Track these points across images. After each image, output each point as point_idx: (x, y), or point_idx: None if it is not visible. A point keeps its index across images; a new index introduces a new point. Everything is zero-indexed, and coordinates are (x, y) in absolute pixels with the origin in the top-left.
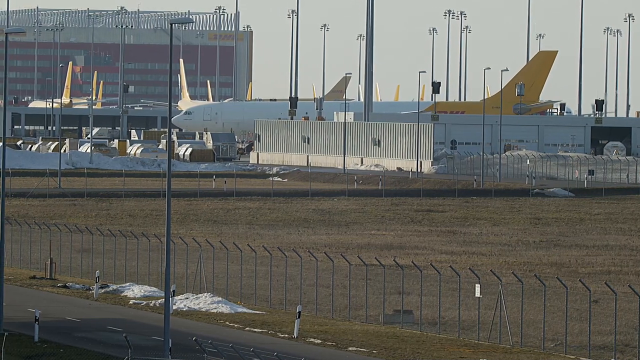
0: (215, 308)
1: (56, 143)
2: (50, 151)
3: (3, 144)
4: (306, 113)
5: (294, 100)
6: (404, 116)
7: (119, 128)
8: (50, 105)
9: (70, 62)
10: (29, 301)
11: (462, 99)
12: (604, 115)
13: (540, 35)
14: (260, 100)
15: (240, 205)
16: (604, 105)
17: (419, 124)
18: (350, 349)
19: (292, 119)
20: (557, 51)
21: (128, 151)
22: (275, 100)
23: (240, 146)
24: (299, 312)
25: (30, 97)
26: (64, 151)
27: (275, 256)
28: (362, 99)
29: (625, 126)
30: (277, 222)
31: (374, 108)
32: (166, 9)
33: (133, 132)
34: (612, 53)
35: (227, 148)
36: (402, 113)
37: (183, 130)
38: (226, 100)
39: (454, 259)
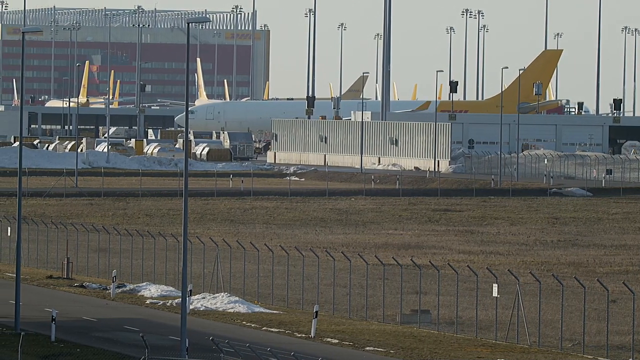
0: (232, 308)
1: (73, 142)
2: (67, 150)
3: (20, 143)
4: (308, 113)
5: (311, 100)
6: (421, 115)
7: (136, 127)
8: (67, 104)
9: (87, 62)
10: (45, 301)
11: (480, 98)
12: (622, 115)
13: (558, 34)
14: (277, 99)
15: (257, 204)
16: (622, 105)
17: (437, 123)
18: (368, 348)
19: (309, 118)
20: (562, 50)
21: (145, 150)
22: (292, 99)
23: (257, 145)
24: (316, 312)
25: (47, 97)
26: (81, 150)
27: (293, 256)
28: (379, 98)
29: None
30: (294, 222)
31: (370, 107)
32: (183, 8)
33: (150, 131)
34: (631, 52)
35: (244, 147)
36: (396, 112)
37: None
38: (243, 99)
39: (471, 258)
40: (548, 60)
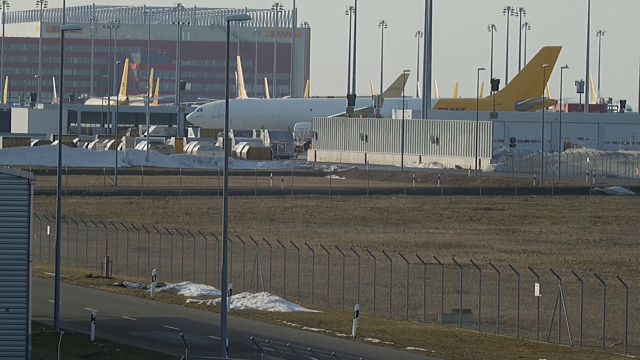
0: (272, 307)
1: (112, 141)
2: (106, 149)
3: (59, 141)
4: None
5: (352, 98)
6: (463, 114)
7: (175, 126)
8: (107, 102)
9: (127, 59)
10: (85, 300)
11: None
12: None
13: (600, 32)
14: (317, 97)
15: (297, 203)
16: None
17: (478, 121)
18: (409, 348)
19: (349, 116)
20: (561, 47)
21: (185, 149)
22: (332, 97)
23: (297, 144)
24: (357, 311)
25: (86, 95)
26: (121, 149)
27: (333, 255)
28: (420, 96)
29: None
30: (334, 221)
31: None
32: (223, 5)
33: (190, 129)
34: None
35: (285, 146)
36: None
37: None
38: (284, 97)
39: (513, 257)
40: (546, 58)
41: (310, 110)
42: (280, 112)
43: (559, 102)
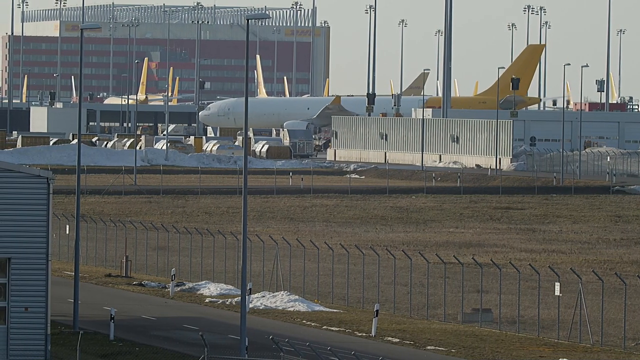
0: (292, 306)
1: (132, 140)
2: (125, 148)
3: (79, 140)
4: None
5: (371, 97)
6: (483, 113)
7: (194, 125)
8: (126, 101)
9: (146, 58)
10: (104, 299)
11: (542, 95)
12: None
13: (620, 30)
14: (335, 96)
15: (317, 202)
16: None
17: (498, 120)
18: (429, 347)
19: (369, 115)
20: (545, 45)
21: (204, 148)
22: (352, 96)
23: (317, 143)
24: (377, 311)
25: (105, 94)
26: (140, 148)
27: (353, 254)
28: (440, 95)
29: None
30: (354, 220)
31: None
32: (242, 4)
33: (209, 128)
34: None
35: (304, 145)
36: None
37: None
38: (304, 96)
39: (533, 257)
40: (531, 56)
41: (308, 109)
42: (279, 111)
43: (580, 101)
